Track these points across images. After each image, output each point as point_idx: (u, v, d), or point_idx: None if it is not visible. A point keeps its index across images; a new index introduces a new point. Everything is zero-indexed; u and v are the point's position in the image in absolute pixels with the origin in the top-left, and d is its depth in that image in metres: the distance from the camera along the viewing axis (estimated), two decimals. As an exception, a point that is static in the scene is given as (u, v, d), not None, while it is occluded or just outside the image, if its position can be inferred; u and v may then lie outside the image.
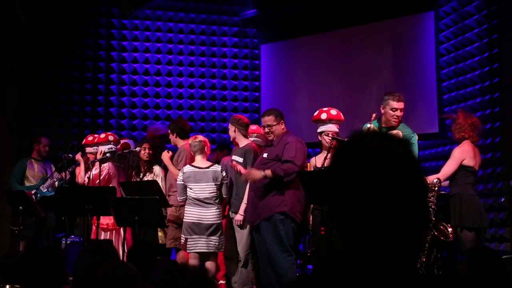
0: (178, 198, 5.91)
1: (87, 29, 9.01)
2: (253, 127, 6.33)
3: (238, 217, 5.67)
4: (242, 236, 5.73)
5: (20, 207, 6.24)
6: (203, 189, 5.79)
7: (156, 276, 4.06)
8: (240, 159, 5.78)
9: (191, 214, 5.77)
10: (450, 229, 5.04)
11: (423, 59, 7.72)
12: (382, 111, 5.40)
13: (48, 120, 8.77)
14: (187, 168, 5.90)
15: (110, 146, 6.72)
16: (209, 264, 5.76)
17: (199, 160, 5.93)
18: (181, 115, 9.14)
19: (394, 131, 5.22)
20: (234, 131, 5.90)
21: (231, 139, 6.20)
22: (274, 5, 8.92)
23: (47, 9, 8.72)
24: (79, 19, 8.97)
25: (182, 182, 5.84)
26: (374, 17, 8.17)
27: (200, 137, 6.08)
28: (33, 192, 6.93)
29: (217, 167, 5.90)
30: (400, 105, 5.29)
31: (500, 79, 6.55)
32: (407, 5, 7.86)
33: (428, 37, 7.65)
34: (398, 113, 5.28)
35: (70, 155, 6.84)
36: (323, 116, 5.67)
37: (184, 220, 5.82)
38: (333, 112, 5.70)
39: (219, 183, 5.82)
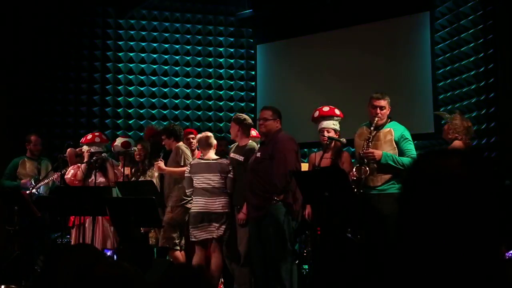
0: (186, 190, 6.01)
1: (82, 29, 9.00)
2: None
3: (241, 215, 5.65)
4: (243, 236, 5.72)
5: (15, 207, 6.21)
6: (209, 179, 5.86)
7: (152, 276, 4.06)
8: (241, 158, 5.81)
9: (198, 203, 5.85)
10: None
11: (418, 59, 7.73)
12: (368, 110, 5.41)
13: (44, 120, 8.75)
14: (194, 161, 6.04)
15: (94, 147, 6.63)
16: (216, 257, 5.82)
17: (208, 154, 6.03)
18: (177, 115, 9.15)
19: (387, 129, 5.23)
20: (238, 130, 5.88)
21: (232, 137, 6.17)
22: (270, 5, 8.92)
23: (43, 8, 8.70)
24: (74, 18, 8.95)
25: (189, 175, 5.95)
26: (370, 17, 8.18)
27: (203, 133, 6.21)
28: (28, 192, 6.90)
29: (225, 161, 6.00)
30: (379, 102, 5.25)
31: (496, 80, 6.57)
32: (403, 6, 7.87)
33: (423, 37, 7.67)
34: (378, 110, 5.26)
35: (65, 155, 6.83)
36: (316, 114, 5.74)
37: (191, 210, 5.91)
38: (325, 108, 5.74)
39: (225, 175, 5.88)
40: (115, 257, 4.94)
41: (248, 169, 5.51)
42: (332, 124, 5.63)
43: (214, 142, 6.13)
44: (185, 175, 6.01)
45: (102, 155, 6.66)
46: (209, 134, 6.19)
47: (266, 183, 5.24)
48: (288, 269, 5.17)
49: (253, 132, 6.39)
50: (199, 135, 6.26)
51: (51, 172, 7.23)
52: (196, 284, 1.71)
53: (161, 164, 6.26)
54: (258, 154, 5.45)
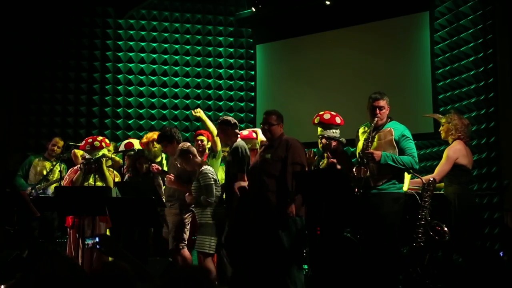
0: (212, 199, 5.69)
1: (82, 29, 9.00)
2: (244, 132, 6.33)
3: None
4: None
5: (15, 207, 6.21)
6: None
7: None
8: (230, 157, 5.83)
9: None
10: (445, 229, 5.04)
11: (418, 59, 7.73)
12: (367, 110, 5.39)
13: (44, 120, 8.75)
14: (211, 168, 5.84)
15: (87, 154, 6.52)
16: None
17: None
18: (177, 115, 9.15)
19: (387, 129, 5.21)
20: (226, 133, 5.89)
21: (223, 141, 6.15)
22: (270, 5, 8.92)
23: (42, 8, 8.71)
24: (74, 18, 8.95)
25: (213, 182, 5.73)
26: (369, 17, 8.19)
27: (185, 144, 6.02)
28: (28, 191, 6.89)
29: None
30: (378, 102, 5.22)
31: (495, 79, 6.57)
32: (403, 5, 7.87)
33: (423, 37, 7.67)
34: (377, 111, 5.24)
35: (65, 155, 6.83)
36: (316, 120, 5.81)
37: (210, 220, 5.70)
38: (326, 116, 5.81)
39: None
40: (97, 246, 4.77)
41: (255, 170, 5.45)
42: (332, 133, 5.73)
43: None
44: (211, 182, 5.70)
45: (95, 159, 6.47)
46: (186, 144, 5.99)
47: (281, 184, 5.22)
48: (295, 276, 5.16)
49: (245, 132, 6.34)
50: (181, 145, 5.94)
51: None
52: (198, 285, 1.71)
53: (172, 178, 6.05)
54: (268, 156, 5.38)
